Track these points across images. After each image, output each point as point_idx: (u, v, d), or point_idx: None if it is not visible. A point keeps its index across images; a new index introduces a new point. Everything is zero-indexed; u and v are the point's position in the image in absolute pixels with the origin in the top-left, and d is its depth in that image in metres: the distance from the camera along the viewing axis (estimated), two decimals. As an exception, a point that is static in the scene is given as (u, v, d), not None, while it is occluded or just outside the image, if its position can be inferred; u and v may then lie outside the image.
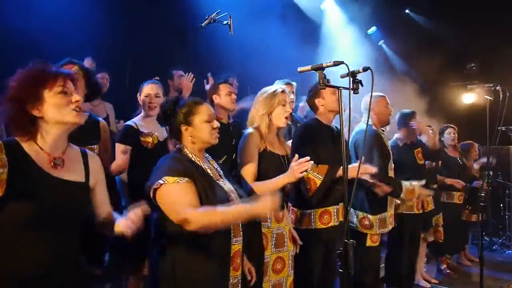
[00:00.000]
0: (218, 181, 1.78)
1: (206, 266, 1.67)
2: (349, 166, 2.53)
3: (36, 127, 1.37)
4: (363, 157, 2.51)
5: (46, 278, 1.33)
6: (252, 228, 2.20)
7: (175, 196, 1.61)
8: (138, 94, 2.81)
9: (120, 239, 1.51)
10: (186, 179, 1.64)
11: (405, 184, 3.01)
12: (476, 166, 5.01)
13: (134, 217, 1.41)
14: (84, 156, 1.52)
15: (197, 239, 1.63)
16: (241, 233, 1.79)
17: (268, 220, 2.28)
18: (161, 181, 1.62)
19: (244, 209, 1.59)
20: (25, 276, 1.30)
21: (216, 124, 1.83)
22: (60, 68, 1.44)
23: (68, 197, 1.38)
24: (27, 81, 1.34)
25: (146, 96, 2.74)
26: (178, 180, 1.62)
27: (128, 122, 2.70)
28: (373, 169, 2.55)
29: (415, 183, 3.06)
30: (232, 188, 1.84)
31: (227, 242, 1.73)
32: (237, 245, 1.76)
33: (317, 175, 2.56)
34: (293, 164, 2.12)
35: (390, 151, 3.22)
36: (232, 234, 1.74)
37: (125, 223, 1.42)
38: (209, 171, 1.79)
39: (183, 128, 1.79)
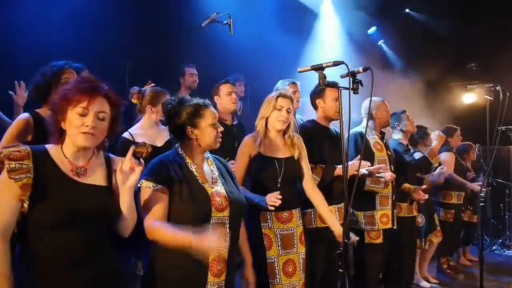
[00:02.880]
0: (204, 185, 1.76)
1: (179, 267, 1.67)
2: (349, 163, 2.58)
3: (64, 136, 1.47)
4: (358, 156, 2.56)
5: (76, 273, 1.42)
6: (252, 228, 2.21)
7: (144, 201, 1.69)
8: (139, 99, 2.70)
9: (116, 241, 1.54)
10: (160, 186, 1.69)
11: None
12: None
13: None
14: (108, 161, 1.60)
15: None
16: (228, 238, 1.76)
17: (269, 219, 2.28)
18: (138, 184, 1.67)
19: (187, 237, 1.53)
20: (56, 271, 1.39)
21: (220, 128, 1.86)
22: (102, 83, 1.51)
23: (89, 198, 1.46)
24: (61, 96, 1.45)
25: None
26: (151, 185, 1.69)
27: (124, 134, 2.57)
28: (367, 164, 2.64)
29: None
30: (224, 191, 1.80)
31: None
32: (216, 251, 1.72)
33: (315, 176, 2.60)
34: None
35: (377, 151, 3.19)
36: None
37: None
38: (196, 174, 1.78)
39: (189, 130, 1.80)
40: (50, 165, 1.43)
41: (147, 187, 1.68)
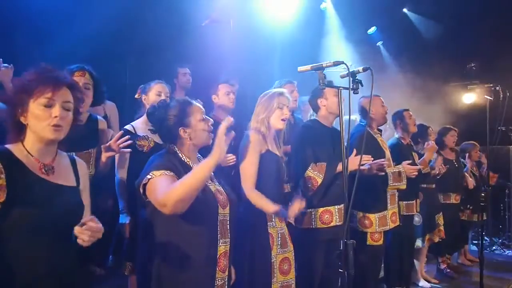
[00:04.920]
0: (206, 182, 1.77)
1: (190, 265, 1.67)
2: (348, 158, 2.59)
3: (24, 132, 1.37)
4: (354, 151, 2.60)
5: (49, 280, 1.34)
6: (258, 227, 2.23)
7: (159, 185, 1.60)
8: (142, 94, 2.73)
9: (121, 239, 1.52)
10: (173, 173, 1.64)
11: (389, 170, 3.03)
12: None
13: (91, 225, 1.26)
14: (73, 162, 1.54)
15: (182, 238, 1.66)
16: (229, 234, 1.79)
17: (273, 218, 2.29)
18: (149, 176, 1.63)
19: (202, 163, 1.53)
20: (30, 279, 1.30)
21: (210, 121, 1.85)
22: (64, 74, 1.42)
23: (64, 200, 1.38)
24: (19, 87, 1.34)
25: (158, 95, 2.66)
26: (165, 173, 1.63)
27: (126, 126, 2.64)
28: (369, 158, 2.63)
29: (398, 166, 3.11)
30: (222, 189, 1.83)
31: (212, 242, 1.72)
32: (223, 246, 1.76)
33: (318, 173, 2.59)
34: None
35: (386, 150, 3.20)
36: (218, 235, 1.74)
37: (80, 230, 1.27)
38: None
39: (181, 131, 1.79)
40: (17, 165, 1.32)
41: (163, 174, 1.62)
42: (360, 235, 3.01)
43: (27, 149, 1.37)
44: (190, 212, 1.66)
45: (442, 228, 4.21)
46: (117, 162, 2.59)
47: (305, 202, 2.30)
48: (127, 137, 2.23)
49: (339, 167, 2.61)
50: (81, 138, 2.03)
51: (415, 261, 4.17)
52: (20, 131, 1.37)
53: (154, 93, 2.68)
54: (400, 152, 3.50)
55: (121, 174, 2.60)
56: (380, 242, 3.07)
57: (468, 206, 4.94)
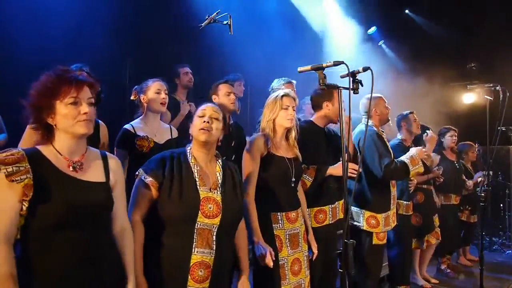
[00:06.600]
0: (199, 187, 1.77)
1: (160, 266, 1.71)
2: (334, 165, 2.61)
3: (53, 133, 1.45)
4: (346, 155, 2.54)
5: (80, 273, 1.40)
6: (263, 229, 2.22)
7: (135, 190, 1.80)
8: (140, 94, 2.70)
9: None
10: (150, 179, 1.75)
11: (404, 158, 3.04)
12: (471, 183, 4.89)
13: None
14: (104, 158, 1.60)
15: (156, 238, 1.73)
16: (214, 245, 1.74)
17: (280, 220, 2.29)
18: (137, 172, 1.81)
19: (137, 266, 1.67)
20: (62, 273, 1.37)
21: (205, 117, 1.85)
22: (82, 73, 1.50)
23: (90, 195, 1.45)
24: (43, 90, 1.42)
25: (157, 93, 2.65)
26: (142, 177, 1.77)
27: (126, 126, 2.62)
28: (356, 167, 2.57)
29: (411, 150, 3.11)
30: (219, 199, 1.79)
31: (183, 249, 1.71)
32: (200, 256, 1.71)
33: (307, 176, 2.62)
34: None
35: (391, 152, 3.22)
36: (194, 244, 1.71)
37: None
38: (196, 175, 1.79)
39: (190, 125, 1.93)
40: (46, 164, 1.41)
41: (140, 177, 1.77)
42: (366, 234, 3.03)
43: (57, 149, 1.45)
44: (166, 211, 1.72)
45: (437, 230, 4.21)
46: None
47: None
48: None
49: (329, 171, 2.62)
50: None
51: (413, 261, 4.18)
52: (49, 132, 1.45)
53: (153, 91, 2.65)
54: (401, 154, 3.50)
55: None
56: (384, 241, 3.11)
57: (467, 206, 4.95)
